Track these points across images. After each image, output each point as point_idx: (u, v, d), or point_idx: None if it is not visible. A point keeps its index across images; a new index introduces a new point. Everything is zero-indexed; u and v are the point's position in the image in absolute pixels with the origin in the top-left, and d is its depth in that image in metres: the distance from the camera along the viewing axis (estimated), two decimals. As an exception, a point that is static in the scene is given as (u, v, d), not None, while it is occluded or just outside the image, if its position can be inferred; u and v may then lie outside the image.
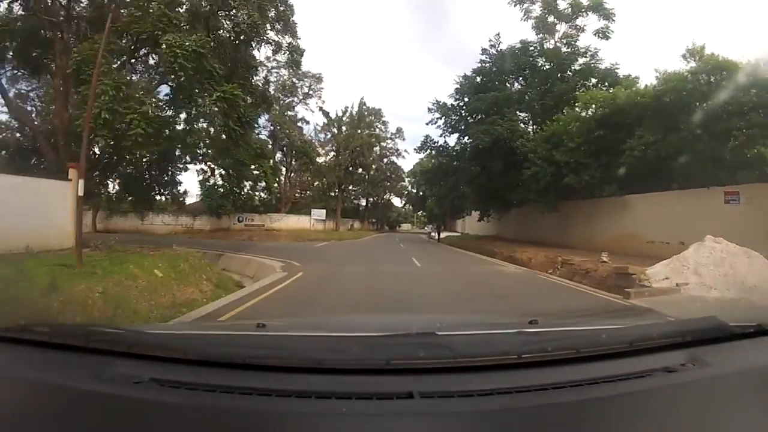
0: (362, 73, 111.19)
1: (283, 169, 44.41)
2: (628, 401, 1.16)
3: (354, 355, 1.30)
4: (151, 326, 2.12)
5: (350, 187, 53.44)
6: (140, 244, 13.47)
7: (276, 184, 40.10)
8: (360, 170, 52.69)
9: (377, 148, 52.73)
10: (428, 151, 30.29)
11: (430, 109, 26.70)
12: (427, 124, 28.01)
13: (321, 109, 47.30)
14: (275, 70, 35.64)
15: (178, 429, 1.07)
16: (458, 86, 26.07)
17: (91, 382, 1.17)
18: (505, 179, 22.68)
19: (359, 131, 49.03)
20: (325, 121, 48.28)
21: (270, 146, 40.17)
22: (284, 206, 42.74)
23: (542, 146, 19.59)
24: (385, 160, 56.25)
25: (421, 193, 60.37)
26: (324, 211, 42.90)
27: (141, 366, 1.24)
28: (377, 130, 51.44)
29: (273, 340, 1.58)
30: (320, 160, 47.83)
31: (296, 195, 47.92)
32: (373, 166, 54.43)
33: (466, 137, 25.67)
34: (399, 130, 55.70)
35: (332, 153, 49.58)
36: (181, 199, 40.79)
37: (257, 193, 38.66)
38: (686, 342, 1.43)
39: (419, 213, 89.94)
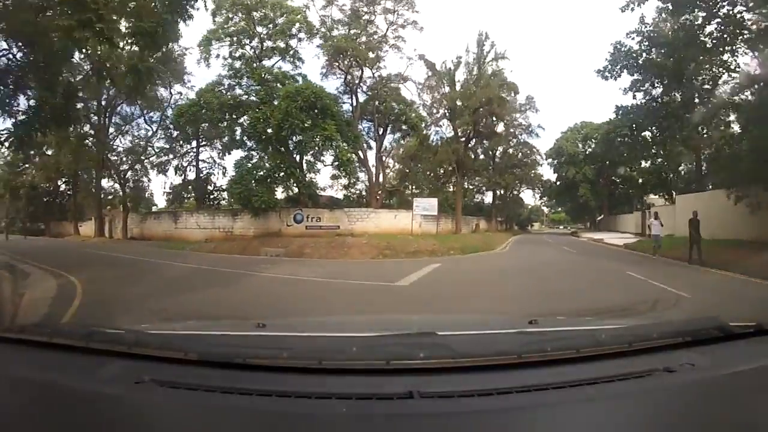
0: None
1: (373, 144, 30.22)
2: (628, 401, 1.17)
3: (354, 355, 1.31)
4: (151, 326, 1.95)
5: (472, 175, 37.28)
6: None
7: (360, 167, 26.12)
8: (484, 143, 36.41)
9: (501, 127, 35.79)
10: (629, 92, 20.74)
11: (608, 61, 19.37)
12: (604, 77, 19.73)
13: (422, 57, 30.72)
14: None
15: (178, 429, 1.08)
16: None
17: (91, 382, 1.20)
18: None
19: (479, 86, 31.56)
20: (429, 73, 31.85)
21: (350, 110, 26.29)
22: (375, 199, 28.35)
23: None
24: (512, 140, 39.45)
25: (558, 183, 47.95)
26: (434, 201, 26.48)
27: (141, 366, 1.25)
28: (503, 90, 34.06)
29: (273, 340, 1.61)
30: (428, 132, 32.95)
31: (391, 184, 33.33)
32: (501, 149, 38.19)
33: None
34: (530, 100, 38.04)
35: (444, 121, 33.50)
36: (213, 194, 29.44)
37: (340, 181, 25.64)
38: (686, 342, 1.43)
39: (551, 209, 72.32)
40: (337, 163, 24.36)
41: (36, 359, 1.36)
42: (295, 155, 23.82)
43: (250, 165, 23.49)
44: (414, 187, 34.23)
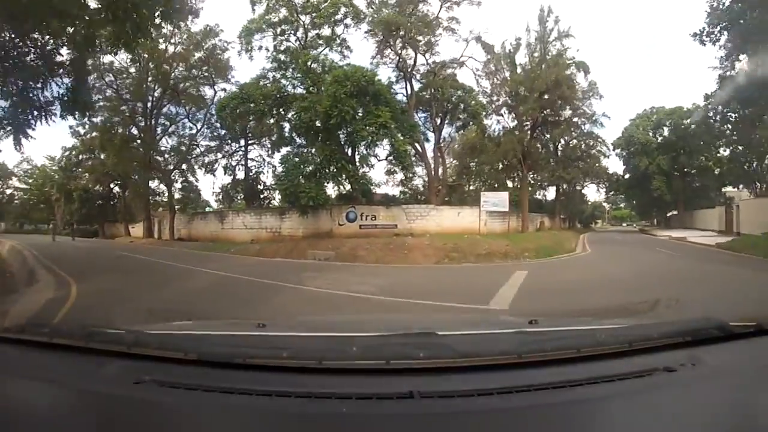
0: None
1: (430, 135, 27.23)
2: (628, 401, 1.17)
3: (354, 355, 1.31)
4: (151, 326, 1.92)
5: (537, 168, 33.44)
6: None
7: (417, 160, 23.97)
8: (546, 134, 32.70)
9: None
10: None
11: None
12: (701, 41, 17.80)
13: (479, 40, 26.25)
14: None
15: (178, 429, 1.09)
16: None
17: (91, 382, 1.21)
18: None
19: (545, 67, 27.57)
20: (487, 57, 27.59)
21: (404, 99, 24.03)
22: (434, 195, 25.37)
23: None
24: (575, 131, 35.07)
25: (628, 175, 44.31)
26: (505, 195, 23.64)
27: (141, 366, 1.26)
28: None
29: (273, 340, 1.61)
30: (487, 122, 29.45)
31: (451, 179, 30.46)
32: (563, 140, 34.52)
33: None
34: (593, 86, 31.71)
35: (505, 109, 29.58)
36: (262, 194, 28.13)
37: (395, 177, 23.30)
38: (686, 342, 1.43)
39: (612, 206, 67.73)
40: (392, 156, 22.33)
41: (36, 359, 1.37)
42: (346, 148, 21.44)
43: (297, 159, 21.23)
44: (475, 181, 31.36)
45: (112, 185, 39.53)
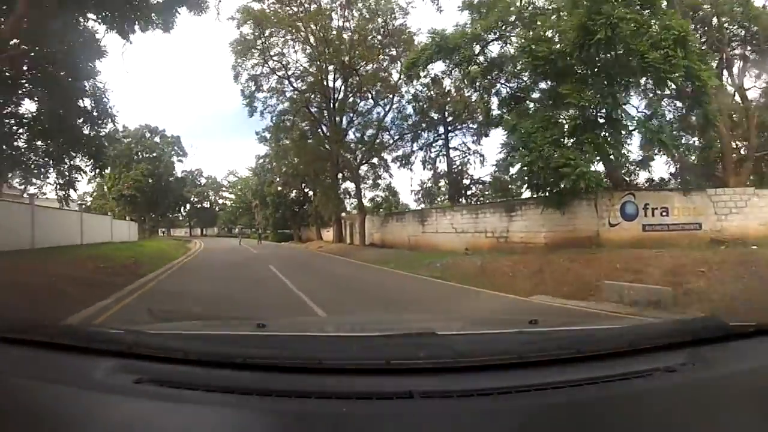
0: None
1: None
2: (628, 401, 1.17)
3: (354, 355, 1.32)
4: (151, 326, 1.98)
5: None
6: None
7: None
8: None
9: None
10: None
11: None
12: None
13: None
14: None
15: (178, 429, 1.08)
16: None
17: (92, 382, 1.19)
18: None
19: None
20: None
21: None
22: (736, 169, 15.81)
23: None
24: None
25: None
26: None
27: (141, 366, 1.25)
28: None
29: (273, 340, 1.58)
30: None
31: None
32: None
33: None
34: None
35: None
36: (469, 189, 24.60)
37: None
38: (686, 342, 1.40)
39: None
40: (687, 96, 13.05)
41: (36, 359, 1.35)
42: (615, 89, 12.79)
43: (537, 118, 13.49)
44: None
45: (304, 187, 39.21)
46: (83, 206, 23.14)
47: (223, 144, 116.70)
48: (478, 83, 17.51)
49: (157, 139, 46.17)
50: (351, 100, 28.14)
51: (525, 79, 15.90)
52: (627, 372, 1.24)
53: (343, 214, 30.87)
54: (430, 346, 1.34)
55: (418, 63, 17.04)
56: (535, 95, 15.83)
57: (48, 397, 1.17)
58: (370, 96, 26.98)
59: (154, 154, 44.57)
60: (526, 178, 13.78)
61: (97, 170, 16.84)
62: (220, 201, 70.05)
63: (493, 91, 17.81)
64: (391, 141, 27.77)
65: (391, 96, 26.21)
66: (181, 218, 67.72)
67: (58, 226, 17.54)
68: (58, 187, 15.73)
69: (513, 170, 14.59)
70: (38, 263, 10.40)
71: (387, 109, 26.68)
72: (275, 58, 26.33)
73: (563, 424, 1.09)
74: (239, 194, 60.14)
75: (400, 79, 25.11)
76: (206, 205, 69.01)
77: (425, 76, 20.45)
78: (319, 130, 28.62)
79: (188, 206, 62.84)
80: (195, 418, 1.08)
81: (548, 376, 1.20)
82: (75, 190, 17.19)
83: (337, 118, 27.62)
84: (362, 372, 1.24)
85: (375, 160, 28.53)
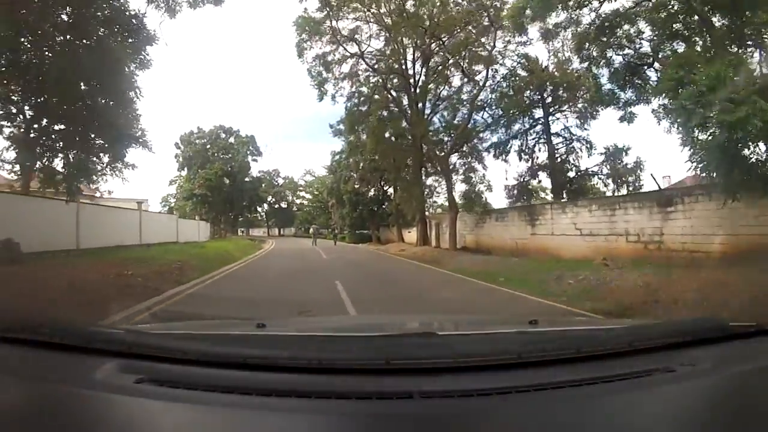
0: None
1: None
2: (628, 401, 1.16)
3: (354, 355, 1.33)
4: (151, 326, 2.21)
5: None
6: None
7: None
8: None
9: None
10: None
11: None
12: None
13: None
14: None
15: (178, 429, 1.08)
16: None
17: (92, 382, 1.19)
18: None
19: None
20: None
21: None
22: None
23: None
24: None
25: None
26: None
27: (141, 366, 1.26)
28: None
29: (273, 340, 1.59)
30: None
31: None
32: None
33: None
34: None
35: None
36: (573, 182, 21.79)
37: None
38: (686, 342, 1.41)
39: None
40: None
41: (36, 359, 1.36)
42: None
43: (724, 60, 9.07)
44: None
45: (383, 185, 35.79)
46: (141, 204, 21.24)
47: (301, 147, 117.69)
48: (586, 50, 14.92)
49: (231, 139, 45.36)
50: (433, 84, 24.01)
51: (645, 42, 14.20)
52: (627, 372, 1.25)
53: (427, 213, 26.78)
54: (430, 346, 1.35)
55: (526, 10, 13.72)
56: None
57: (48, 397, 1.16)
58: (460, 69, 22.47)
59: (229, 155, 43.70)
60: (719, 152, 8.80)
61: (117, 159, 13.50)
62: (298, 201, 69.30)
63: (602, 62, 15.25)
64: (484, 125, 23.07)
65: (484, 69, 21.69)
66: (260, 218, 67.93)
67: (109, 226, 16.17)
68: (67, 175, 12.50)
69: (702, 138, 9.56)
70: (56, 267, 9.30)
71: (482, 84, 21.95)
72: (345, 33, 22.85)
73: (563, 424, 1.07)
74: (316, 194, 58.62)
75: (494, 48, 20.62)
76: (283, 205, 68.57)
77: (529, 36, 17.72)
78: (400, 115, 24.63)
79: (266, 206, 62.53)
80: (195, 418, 1.08)
81: (548, 376, 1.20)
82: (95, 182, 14.27)
83: (420, 105, 23.57)
84: (362, 372, 1.25)
85: (466, 148, 23.86)
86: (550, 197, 23.03)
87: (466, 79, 22.79)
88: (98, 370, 1.22)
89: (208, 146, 43.45)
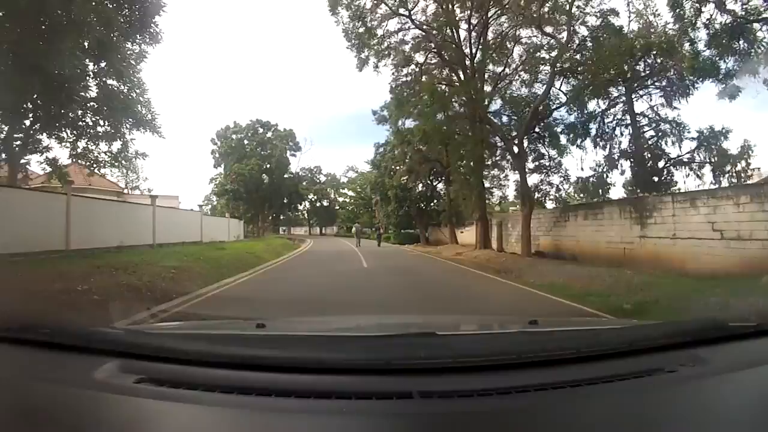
0: None
1: None
2: (628, 401, 1.15)
3: (354, 355, 1.33)
4: (151, 326, 2.07)
5: None
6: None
7: None
8: None
9: None
10: None
11: None
12: None
13: None
14: None
15: (178, 429, 1.08)
16: None
17: (91, 382, 1.18)
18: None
19: None
20: None
21: None
22: None
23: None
24: None
25: None
26: None
27: (141, 366, 1.25)
28: None
29: (273, 340, 1.58)
30: None
31: None
32: None
33: None
34: None
35: None
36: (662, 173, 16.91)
37: None
38: (686, 342, 1.39)
39: None
40: None
41: (36, 359, 1.35)
42: None
43: None
44: None
45: (432, 179, 31.74)
46: (155, 199, 18.07)
47: (343, 146, 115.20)
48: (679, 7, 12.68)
49: (269, 134, 42.86)
50: (495, 56, 19.73)
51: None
52: (627, 372, 1.24)
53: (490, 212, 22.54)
54: (430, 347, 1.34)
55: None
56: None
57: (48, 397, 1.15)
58: (535, 25, 17.63)
59: (268, 151, 41.11)
60: None
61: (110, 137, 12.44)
62: (340, 199, 66.32)
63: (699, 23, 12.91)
64: (561, 101, 18.43)
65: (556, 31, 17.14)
66: (301, 217, 65.61)
67: (110, 223, 13.89)
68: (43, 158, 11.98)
69: None
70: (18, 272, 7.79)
71: (565, 40, 17.03)
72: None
73: (563, 425, 1.07)
74: (358, 191, 55.31)
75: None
76: (325, 203, 65.76)
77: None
78: (457, 89, 20.30)
79: (307, 204, 59.97)
80: (195, 418, 1.07)
81: (548, 376, 1.19)
82: (97, 167, 13.09)
83: (478, 84, 19.32)
84: (362, 372, 1.24)
85: (538, 129, 19.29)
86: (622, 194, 18.21)
87: (541, 37, 18.07)
88: (98, 370, 1.22)
89: (245, 141, 41.20)
